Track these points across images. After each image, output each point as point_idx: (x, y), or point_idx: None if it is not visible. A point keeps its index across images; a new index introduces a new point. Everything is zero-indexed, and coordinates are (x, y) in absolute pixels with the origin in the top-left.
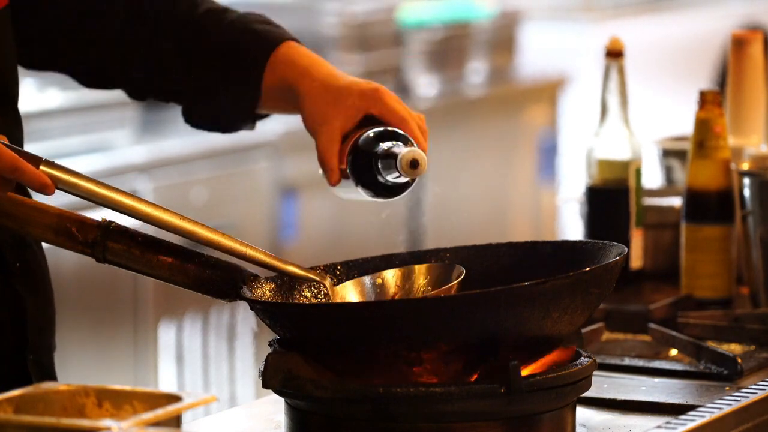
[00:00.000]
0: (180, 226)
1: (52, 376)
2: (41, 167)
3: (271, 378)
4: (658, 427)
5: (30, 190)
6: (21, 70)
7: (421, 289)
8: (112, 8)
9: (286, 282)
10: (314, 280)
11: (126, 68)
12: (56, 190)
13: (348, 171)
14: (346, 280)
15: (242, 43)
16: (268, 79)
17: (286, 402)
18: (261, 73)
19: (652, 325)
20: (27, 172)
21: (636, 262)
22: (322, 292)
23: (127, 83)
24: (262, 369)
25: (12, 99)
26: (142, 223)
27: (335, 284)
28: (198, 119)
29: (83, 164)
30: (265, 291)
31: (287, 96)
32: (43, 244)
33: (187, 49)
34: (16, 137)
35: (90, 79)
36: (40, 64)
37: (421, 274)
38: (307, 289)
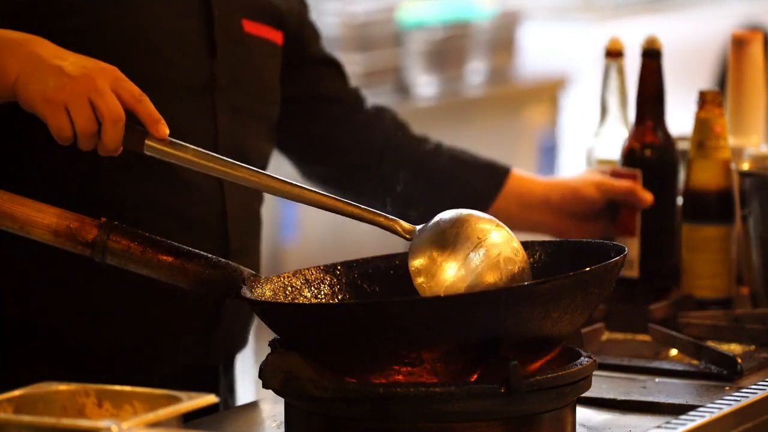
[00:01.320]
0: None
1: (233, 369)
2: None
3: (271, 378)
4: (658, 427)
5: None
6: None
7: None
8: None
9: (286, 282)
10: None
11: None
12: None
13: None
14: (346, 280)
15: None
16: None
17: (286, 402)
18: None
19: (652, 325)
20: (150, 102)
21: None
22: (323, 292)
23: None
24: (262, 369)
25: (272, 119)
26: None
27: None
28: None
29: None
30: (265, 291)
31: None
32: None
33: (414, 179)
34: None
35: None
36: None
37: None
38: (307, 289)
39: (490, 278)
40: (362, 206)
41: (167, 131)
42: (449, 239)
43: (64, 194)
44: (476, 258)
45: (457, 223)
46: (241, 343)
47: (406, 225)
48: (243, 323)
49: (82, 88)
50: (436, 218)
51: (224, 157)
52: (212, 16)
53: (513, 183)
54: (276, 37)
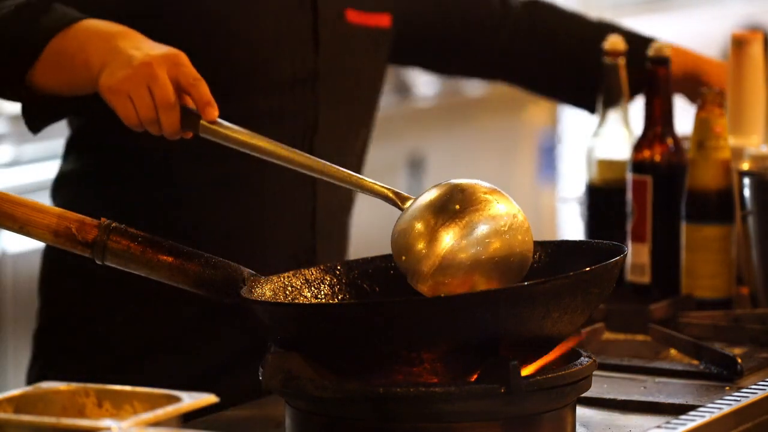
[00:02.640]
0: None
1: None
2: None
3: (271, 378)
4: (658, 427)
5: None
6: None
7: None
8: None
9: (286, 282)
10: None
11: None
12: None
13: None
14: (346, 280)
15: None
16: None
17: (286, 402)
18: None
19: (652, 325)
20: (205, 85)
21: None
22: (323, 292)
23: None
24: (262, 369)
25: (372, 111)
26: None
27: (336, 283)
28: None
29: None
30: (265, 291)
31: None
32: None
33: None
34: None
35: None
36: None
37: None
38: (307, 289)
39: (494, 245)
40: (361, 176)
41: (216, 114)
42: (449, 205)
43: (153, 204)
44: (477, 225)
45: (457, 189)
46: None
47: (402, 194)
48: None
49: (142, 76)
50: (432, 186)
51: (273, 141)
52: (316, 10)
53: None
54: (382, 21)
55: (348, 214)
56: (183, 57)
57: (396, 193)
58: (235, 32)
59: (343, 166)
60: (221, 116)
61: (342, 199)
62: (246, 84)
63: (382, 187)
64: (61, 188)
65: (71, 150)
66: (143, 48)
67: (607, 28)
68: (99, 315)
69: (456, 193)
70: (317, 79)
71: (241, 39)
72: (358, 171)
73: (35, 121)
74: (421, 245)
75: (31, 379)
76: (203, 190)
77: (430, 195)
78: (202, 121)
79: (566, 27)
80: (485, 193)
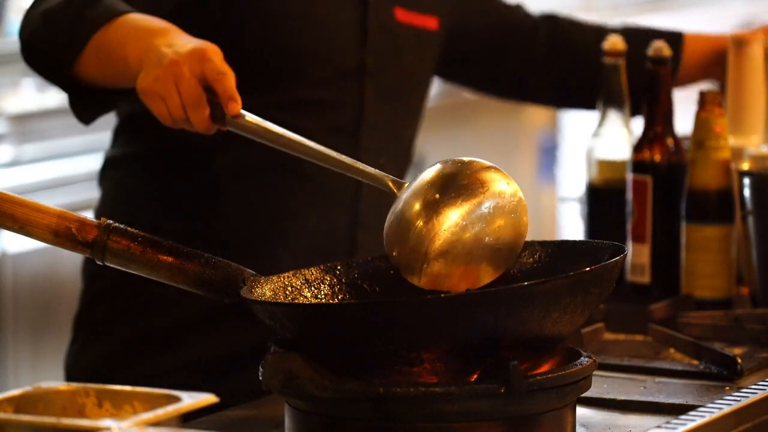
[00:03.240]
0: (335, 159)
1: None
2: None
3: (271, 378)
4: (658, 427)
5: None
6: (22, 72)
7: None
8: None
9: (286, 282)
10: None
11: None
12: None
13: None
14: (346, 280)
15: None
16: None
17: (286, 402)
18: None
19: (652, 325)
20: (229, 80)
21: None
22: (323, 292)
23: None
24: (262, 369)
25: (421, 105)
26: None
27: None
28: None
29: (83, 164)
30: (265, 291)
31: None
32: None
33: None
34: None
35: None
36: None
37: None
38: (307, 289)
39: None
40: (355, 161)
41: (238, 108)
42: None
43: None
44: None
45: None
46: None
47: (397, 180)
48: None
49: (170, 76)
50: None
51: (297, 136)
52: (366, 6)
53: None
54: (430, 23)
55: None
56: (210, 51)
57: (394, 182)
58: (287, 22)
59: (388, 163)
60: (269, 104)
61: (385, 193)
62: (294, 74)
63: (384, 175)
64: (108, 172)
65: (119, 136)
66: (175, 45)
67: (632, 31)
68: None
69: (451, 176)
70: (364, 73)
71: (292, 29)
72: (405, 169)
73: (84, 113)
74: (419, 224)
75: (69, 360)
76: (245, 177)
77: (425, 177)
78: (227, 116)
79: (588, 38)
80: (483, 170)
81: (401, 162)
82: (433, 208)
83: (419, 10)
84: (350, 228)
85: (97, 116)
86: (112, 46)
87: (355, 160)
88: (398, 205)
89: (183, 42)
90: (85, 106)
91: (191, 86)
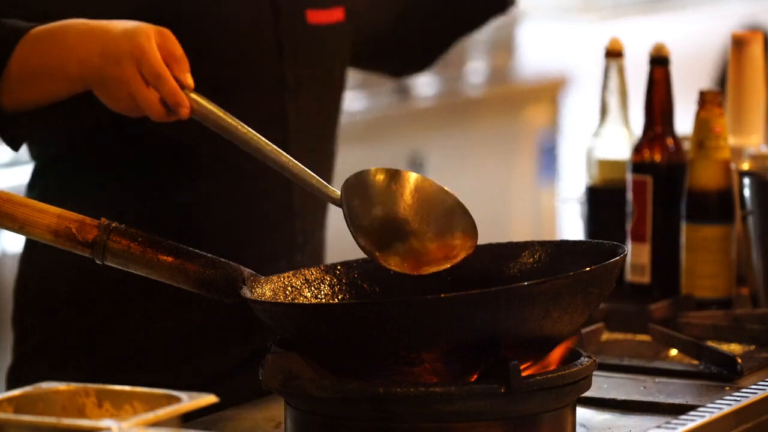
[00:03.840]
0: (287, 166)
1: None
2: (186, 91)
3: (271, 378)
4: (658, 427)
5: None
6: None
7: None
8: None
9: (286, 282)
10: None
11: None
12: None
13: None
14: (346, 280)
15: None
16: None
17: (286, 402)
18: None
19: (652, 325)
20: (168, 83)
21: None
22: (323, 292)
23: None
24: (262, 369)
25: (339, 104)
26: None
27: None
28: None
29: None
30: (265, 291)
31: None
32: None
33: None
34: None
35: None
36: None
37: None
38: (307, 289)
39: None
40: (302, 167)
41: (188, 112)
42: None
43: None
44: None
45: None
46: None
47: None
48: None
49: (131, 58)
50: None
51: (247, 127)
52: (278, 14)
53: None
54: (338, 15)
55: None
56: (165, 31)
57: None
58: (200, 35)
59: (319, 165)
60: (194, 125)
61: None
62: (214, 92)
63: (311, 176)
64: (38, 179)
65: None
66: (121, 30)
67: None
68: (95, 317)
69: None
70: (285, 88)
71: (206, 43)
72: (330, 170)
73: (12, 139)
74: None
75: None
76: (185, 202)
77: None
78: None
79: None
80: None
81: (325, 167)
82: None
83: (327, 6)
84: (288, 251)
85: (26, 140)
86: (36, 62)
87: (303, 168)
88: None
89: (127, 25)
90: (12, 132)
91: (157, 62)
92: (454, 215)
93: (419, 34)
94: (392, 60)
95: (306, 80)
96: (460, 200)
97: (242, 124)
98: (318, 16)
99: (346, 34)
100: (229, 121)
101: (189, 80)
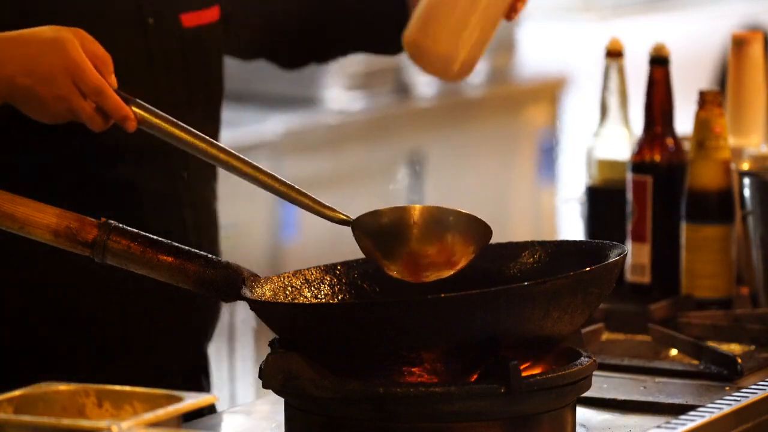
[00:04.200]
0: (248, 171)
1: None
2: (130, 105)
3: (271, 378)
4: (658, 427)
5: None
6: None
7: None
8: None
9: (286, 282)
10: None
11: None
12: None
13: None
14: (346, 280)
15: None
16: None
17: (286, 402)
18: None
19: (652, 325)
20: (110, 98)
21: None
22: (323, 292)
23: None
24: (262, 369)
25: (218, 108)
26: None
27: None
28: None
29: None
30: (265, 291)
31: None
32: None
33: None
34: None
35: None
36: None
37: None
38: (307, 289)
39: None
40: (308, 194)
41: (135, 125)
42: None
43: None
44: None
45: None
46: (211, 336)
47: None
48: (215, 316)
49: (65, 72)
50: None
51: (195, 131)
52: (146, 25)
53: None
54: (213, 14)
55: (215, 198)
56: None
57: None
58: None
59: (192, 176)
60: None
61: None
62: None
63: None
64: None
65: None
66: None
67: None
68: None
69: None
70: (157, 97)
71: None
72: (210, 177)
73: None
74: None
75: None
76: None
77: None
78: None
79: None
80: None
81: (205, 172)
82: None
83: (202, 6)
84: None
85: None
86: None
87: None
88: None
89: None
90: None
91: (95, 76)
92: (458, 222)
93: (300, 34)
94: (277, 55)
95: (180, 90)
96: (463, 209)
97: (190, 129)
98: (193, 19)
99: (220, 31)
100: (175, 130)
101: (114, 80)
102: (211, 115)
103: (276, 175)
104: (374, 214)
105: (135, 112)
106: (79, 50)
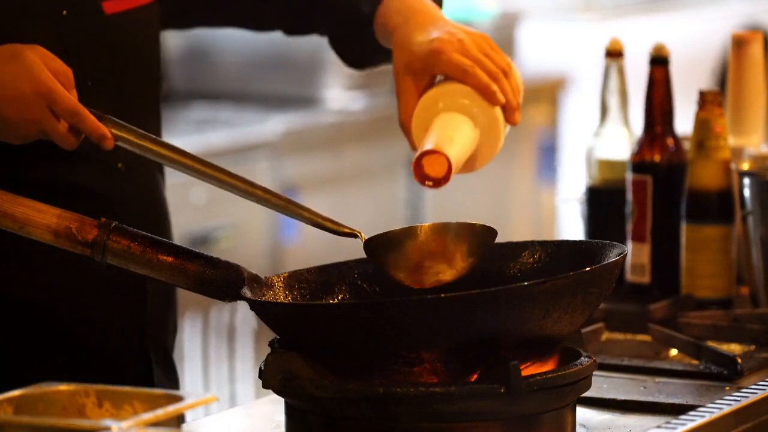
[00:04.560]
0: (234, 183)
1: (168, 357)
2: (104, 123)
3: (271, 378)
4: (658, 427)
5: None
6: None
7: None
8: None
9: (286, 282)
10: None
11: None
12: None
13: None
14: (346, 280)
15: None
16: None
17: (286, 402)
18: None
19: (652, 325)
20: (87, 119)
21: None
22: (323, 293)
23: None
24: (262, 369)
25: (157, 96)
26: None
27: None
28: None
29: None
30: (265, 291)
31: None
32: None
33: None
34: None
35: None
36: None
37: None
38: (307, 289)
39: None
40: (310, 209)
41: (112, 143)
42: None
43: None
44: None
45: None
46: (172, 330)
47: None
48: (170, 308)
49: (40, 98)
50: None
51: (169, 142)
52: (59, 17)
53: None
54: None
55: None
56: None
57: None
58: None
59: (127, 168)
60: None
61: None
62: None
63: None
64: None
65: None
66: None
67: None
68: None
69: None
70: (79, 90)
71: None
72: (151, 172)
73: None
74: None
75: None
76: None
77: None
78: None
79: None
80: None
81: (144, 166)
82: None
83: None
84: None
85: None
86: None
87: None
88: None
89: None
90: None
91: (69, 99)
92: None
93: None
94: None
95: (107, 83)
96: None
97: (170, 144)
98: (117, 4)
99: (155, 12)
100: (152, 145)
101: (75, 93)
102: (148, 105)
103: (271, 189)
104: (384, 235)
105: (110, 130)
106: (46, 72)
